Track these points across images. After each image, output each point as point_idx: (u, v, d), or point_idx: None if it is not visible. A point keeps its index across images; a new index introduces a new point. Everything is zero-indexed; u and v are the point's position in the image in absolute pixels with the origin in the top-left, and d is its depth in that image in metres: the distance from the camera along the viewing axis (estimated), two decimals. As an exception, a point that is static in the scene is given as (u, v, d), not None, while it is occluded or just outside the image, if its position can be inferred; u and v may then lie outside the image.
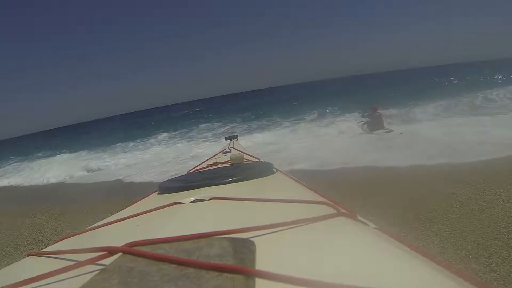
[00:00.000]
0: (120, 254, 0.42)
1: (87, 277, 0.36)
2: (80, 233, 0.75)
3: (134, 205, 0.97)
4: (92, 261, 0.45)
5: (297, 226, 0.51)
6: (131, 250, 0.42)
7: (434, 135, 6.39)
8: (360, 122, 8.51)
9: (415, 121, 8.59)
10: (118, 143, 13.86)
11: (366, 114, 8.48)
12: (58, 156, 12.78)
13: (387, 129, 7.65)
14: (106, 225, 0.75)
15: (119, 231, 0.70)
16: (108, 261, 0.43)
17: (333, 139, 7.91)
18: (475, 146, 5.17)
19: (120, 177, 7.26)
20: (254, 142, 8.50)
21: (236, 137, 3.18)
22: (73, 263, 0.46)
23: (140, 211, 0.77)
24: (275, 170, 1.14)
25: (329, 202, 0.72)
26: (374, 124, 7.94)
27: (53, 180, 8.57)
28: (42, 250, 0.65)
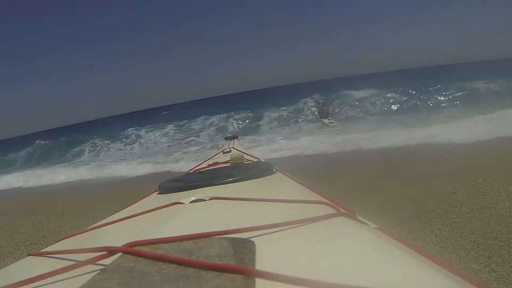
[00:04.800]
0: (120, 254, 0.42)
1: (87, 277, 0.36)
2: (80, 233, 0.75)
3: (134, 205, 0.97)
4: (92, 261, 0.45)
5: (297, 226, 0.51)
6: (131, 250, 0.42)
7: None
8: (315, 110, 12.73)
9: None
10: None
11: (318, 106, 12.65)
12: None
13: (330, 120, 11.12)
14: (106, 225, 0.75)
15: (119, 231, 0.70)
16: (108, 261, 0.43)
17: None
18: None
19: None
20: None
21: (236, 137, 3.17)
22: (73, 263, 0.46)
23: (140, 211, 0.77)
24: (275, 170, 1.14)
25: (329, 202, 0.72)
26: (322, 114, 12.01)
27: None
28: (42, 250, 0.65)
